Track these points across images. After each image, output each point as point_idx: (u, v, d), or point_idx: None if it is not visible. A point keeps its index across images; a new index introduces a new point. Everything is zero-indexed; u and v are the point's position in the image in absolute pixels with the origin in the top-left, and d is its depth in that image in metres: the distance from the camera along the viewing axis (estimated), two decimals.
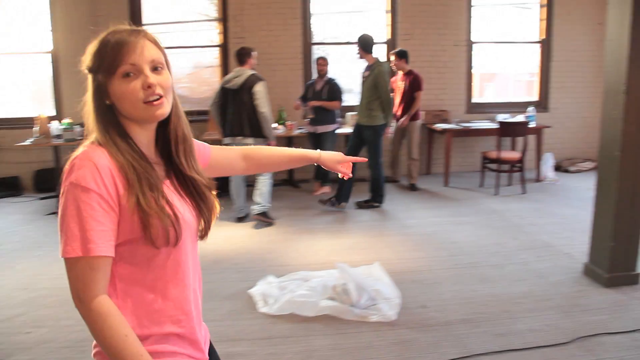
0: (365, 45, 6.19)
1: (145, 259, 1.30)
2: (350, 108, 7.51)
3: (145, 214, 1.24)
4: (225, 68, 7.84)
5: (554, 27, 8.56)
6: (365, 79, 6.26)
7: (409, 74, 7.37)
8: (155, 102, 1.30)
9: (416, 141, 7.54)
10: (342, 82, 7.22)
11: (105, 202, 1.22)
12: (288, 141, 7.66)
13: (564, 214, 6.22)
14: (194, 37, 8.04)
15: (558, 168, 8.57)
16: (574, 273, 4.47)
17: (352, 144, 6.39)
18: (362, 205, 6.54)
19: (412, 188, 7.51)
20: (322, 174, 7.30)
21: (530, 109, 8.05)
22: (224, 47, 7.89)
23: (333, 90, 7.07)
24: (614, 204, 4.12)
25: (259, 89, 5.63)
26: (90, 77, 1.31)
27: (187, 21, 8.01)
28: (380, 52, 8.06)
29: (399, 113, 7.49)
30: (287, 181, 8.03)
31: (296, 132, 7.47)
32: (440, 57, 8.30)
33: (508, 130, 7.19)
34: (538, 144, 7.94)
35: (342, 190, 6.40)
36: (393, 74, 7.54)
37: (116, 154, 1.27)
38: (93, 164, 1.22)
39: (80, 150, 1.27)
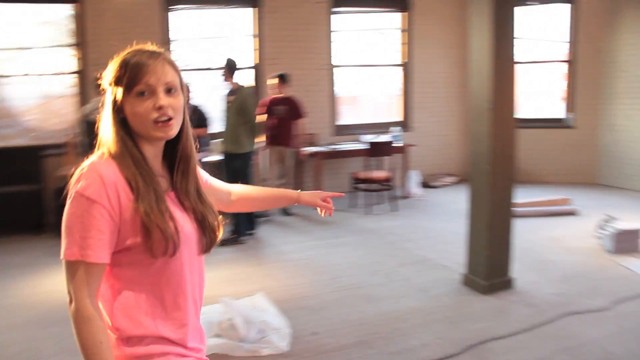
0: (231, 69, 6.05)
1: (143, 265, 1.38)
2: (216, 135, 7.26)
3: (149, 224, 1.33)
4: (83, 97, 7.31)
5: (414, 51, 8.97)
6: (230, 104, 6.08)
7: (287, 99, 7.18)
8: (164, 123, 1.38)
9: (291, 167, 7.45)
10: (206, 108, 7.00)
11: (107, 212, 1.31)
12: None
13: (435, 227, 6.42)
14: (45, 64, 7.43)
15: (423, 184, 8.91)
16: (453, 284, 4.58)
17: (228, 175, 6.11)
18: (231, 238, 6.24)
19: (286, 213, 7.40)
20: None
21: (395, 128, 8.31)
22: (81, 75, 7.37)
23: (199, 117, 6.83)
24: (487, 215, 4.28)
25: None
26: (109, 92, 1.40)
27: (37, 47, 7.40)
28: (247, 77, 7.95)
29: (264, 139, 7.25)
30: None
31: None
32: (304, 80, 8.34)
33: (377, 150, 7.34)
34: (404, 162, 8.20)
35: (242, 222, 6.09)
36: (257, 98, 7.41)
37: (127, 165, 1.36)
38: (99, 176, 1.31)
39: (89, 160, 1.37)
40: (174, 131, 1.41)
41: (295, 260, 5.43)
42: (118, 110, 1.39)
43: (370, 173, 7.35)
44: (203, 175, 1.71)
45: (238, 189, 1.89)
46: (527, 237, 5.68)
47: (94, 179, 1.31)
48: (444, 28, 9.10)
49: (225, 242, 6.03)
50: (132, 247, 1.35)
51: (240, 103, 6.00)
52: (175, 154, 1.49)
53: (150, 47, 1.43)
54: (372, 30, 9.14)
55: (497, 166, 4.24)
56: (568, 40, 8.78)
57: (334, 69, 8.61)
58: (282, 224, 6.95)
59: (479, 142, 4.30)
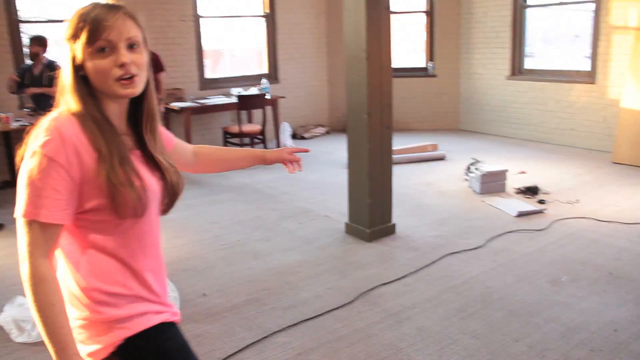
0: None
1: (110, 226, 1.35)
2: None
3: (114, 187, 1.29)
4: None
5: (277, 1, 8.76)
6: None
7: None
8: (127, 81, 1.32)
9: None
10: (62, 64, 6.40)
11: (66, 172, 1.26)
12: (5, 137, 6.59)
13: (311, 178, 6.44)
14: None
15: (294, 136, 8.89)
16: (337, 234, 4.62)
17: None
18: None
19: None
20: None
21: (264, 81, 8.16)
22: None
23: (55, 75, 6.23)
24: (367, 164, 4.32)
25: None
26: (67, 48, 1.33)
27: None
28: None
29: None
30: (9, 183, 6.93)
31: (14, 125, 6.44)
32: (167, 33, 7.89)
33: (247, 103, 7.18)
34: (275, 114, 8.09)
35: None
36: None
37: (89, 126, 1.30)
38: (59, 135, 1.26)
39: (49, 117, 1.31)
40: (139, 88, 1.36)
41: (172, 221, 5.19)
42: (78, 67, 1.32)
43: (242, 127, 7.18)
44: (166, 134, 1.65)
45: (202, 149, 1.85)
46: (403, 183, 5.86)
47: (54, 136, 1.26)
48: None
49: None
50: (98, 208, 1.32)
51: None
52: (140, 112, 1.44)
53: (108, 1, 1.35)
54: None
55: (376, 115, 4.27)
56: None
57: (200, 20, 8.22)
58: None
59: (357, 91, 4.29)
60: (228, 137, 7.40)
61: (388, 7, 4.18)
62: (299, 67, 9.14)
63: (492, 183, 5.55)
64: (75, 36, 1.30)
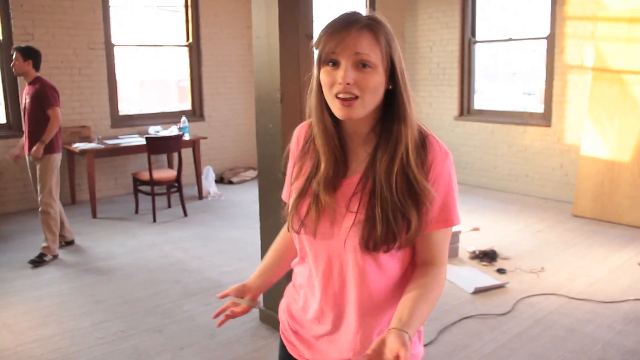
0: None
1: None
2: None
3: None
4: None
5: (202, 30, 7.79)
6: None
7: (34, 82, 4.94)
8: (343, 101, 1.20)
9: (55, 185, 4.94)
10: None
11: (292, 162, 1.41)
12: None
13: (230, 237, 5.42)
14: None
15: (221, 180, 7.89)
16: (250, 322, 3.59)
17: None
18: None
19: (67, 243, 5.34)
20: None
21: (183, 119, 7.16)
22: None
23: None
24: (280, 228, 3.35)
25: None
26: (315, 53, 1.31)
27: None
28: None
29: (25, 142, 5.01)
30: None
31: None
32: (72, 62, 6.81)
33: (158, 146, 6.12)
34: (196, 157, 7.06)
35: None
36: None
37: (316, 132, 1.31)
38: (296, 132, 1.43)
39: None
40: (356, 113, 1.21)
41: (49, 297, 4.09)
42: (317, 74, 1.28)
43: (154, 173, 6.12)
44: (435, 211, 1.27)
45: (413, 279, 1.31)
46: None
47: (294, 132, 1.44)
48: (233, 5, 8.00)
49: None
50: None
51: None
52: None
53: (358, 13, 1.23)
54: (154, 5, 7.82)
55: None
56: None
57: (114, 49, 7.18)
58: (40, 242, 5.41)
59: (269, 141, 3.33)
60: (139, 185, 6.33)
61: (311, 35, 3.25)
62: (227, 103, 8.15)
63: None
64: (317, 44, 1.24)
